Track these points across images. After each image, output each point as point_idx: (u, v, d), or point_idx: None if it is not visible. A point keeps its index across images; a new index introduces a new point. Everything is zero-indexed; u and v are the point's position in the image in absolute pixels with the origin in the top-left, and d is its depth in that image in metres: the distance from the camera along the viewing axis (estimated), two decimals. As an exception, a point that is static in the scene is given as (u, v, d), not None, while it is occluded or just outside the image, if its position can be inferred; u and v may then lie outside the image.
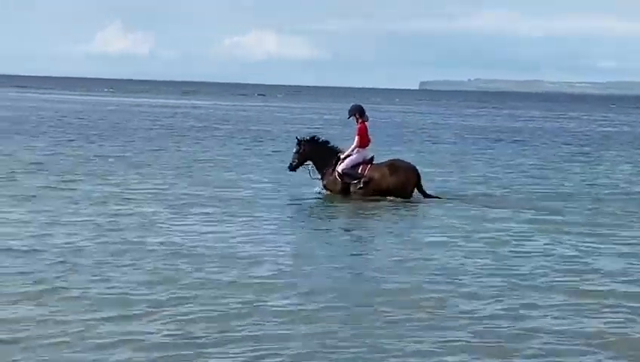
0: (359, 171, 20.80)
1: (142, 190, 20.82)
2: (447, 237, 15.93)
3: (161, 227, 15.90)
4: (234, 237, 15.14)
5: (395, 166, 21.04)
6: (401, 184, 20.77)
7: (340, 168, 20.88)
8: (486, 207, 19.76)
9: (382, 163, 21.15)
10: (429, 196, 20.80)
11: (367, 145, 21.21)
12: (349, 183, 20.84)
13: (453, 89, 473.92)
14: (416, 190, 20.78)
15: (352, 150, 21.02)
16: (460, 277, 12.52)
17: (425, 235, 16.21)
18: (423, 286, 11.95)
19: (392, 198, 20.48)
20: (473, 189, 23.12)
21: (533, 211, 19.37)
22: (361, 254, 14.59)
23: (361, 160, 20.94)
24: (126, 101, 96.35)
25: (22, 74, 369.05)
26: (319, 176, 21.27)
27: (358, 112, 21.30)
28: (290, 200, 20.58)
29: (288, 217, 18.30)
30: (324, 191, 21.11)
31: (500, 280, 12.45)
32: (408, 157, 25.41)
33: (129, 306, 10.43)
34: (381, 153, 23.13)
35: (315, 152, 21.27)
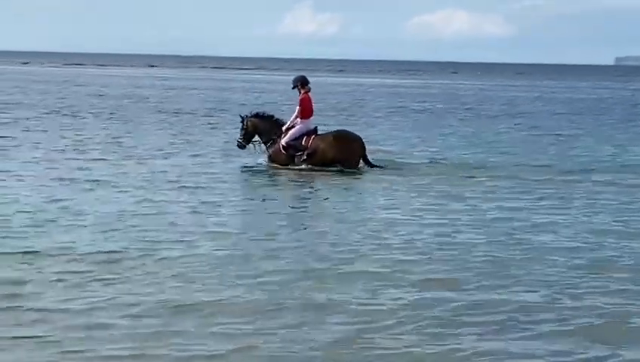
0: (303, 143, 20.66)
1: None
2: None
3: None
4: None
5: (340, 136, 20.81)
6: (346, 154, 20.56)
7: (283, 141, 20.72)
8: None
9: (327, 133, 20.96)
10: (374, 166, 20.62)
11: (310, 116, 20.89)
12: (293, 155, 20.75)
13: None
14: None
15: (293, 121, 20.88)
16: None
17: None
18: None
19: (338, 168, 20.35)
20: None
21: None
22: (304, 226, 14.46)
23: (304, 131, 20.70)
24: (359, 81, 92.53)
25: (218, 55, 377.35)
26: (265, 151, 21.16)
27: (301, 83, 21.03)
28: (233, 172, 20.46)
29: (232, 189, 18.02)
30: (269, 163, 21.00)
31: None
32: None
33: None
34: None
35: (260, 127, 21.19)
